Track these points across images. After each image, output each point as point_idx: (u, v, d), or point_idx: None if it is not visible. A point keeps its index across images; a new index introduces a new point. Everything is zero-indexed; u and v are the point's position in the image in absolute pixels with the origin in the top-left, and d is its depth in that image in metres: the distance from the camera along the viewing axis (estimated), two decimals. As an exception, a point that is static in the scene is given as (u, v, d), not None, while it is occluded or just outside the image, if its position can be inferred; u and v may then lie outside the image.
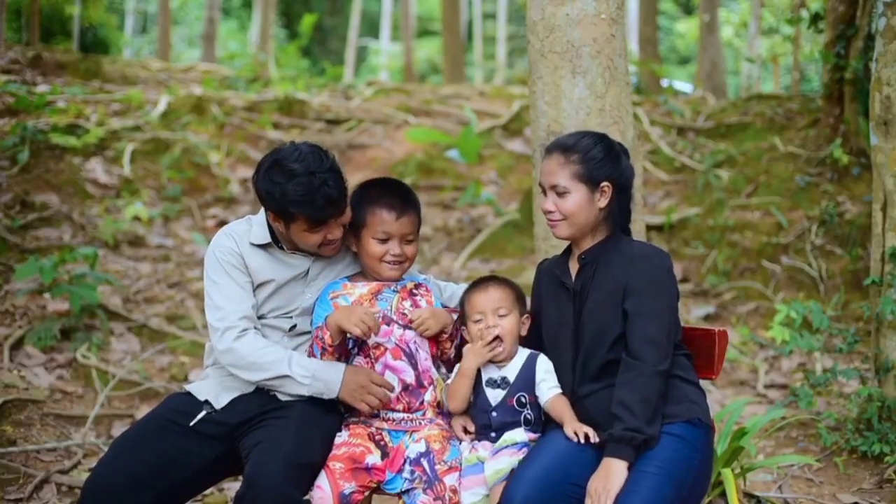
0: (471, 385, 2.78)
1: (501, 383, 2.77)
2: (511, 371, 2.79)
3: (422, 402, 2.84)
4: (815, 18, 7.73)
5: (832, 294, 6.46)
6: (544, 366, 2.79)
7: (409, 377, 2.84)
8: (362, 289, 2.88)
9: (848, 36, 7.17)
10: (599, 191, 2.75)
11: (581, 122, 3.54)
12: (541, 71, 3.62)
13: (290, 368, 2.76)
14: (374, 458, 2.72)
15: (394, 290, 2.89)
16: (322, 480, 2.63)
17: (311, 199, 2.72)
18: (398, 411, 2.82)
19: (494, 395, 2.77)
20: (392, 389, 2.79)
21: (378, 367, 2.84)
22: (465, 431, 2.81)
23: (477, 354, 2.76)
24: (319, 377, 2.76)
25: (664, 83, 14.25)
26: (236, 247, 2.87)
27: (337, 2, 29.80)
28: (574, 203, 2.73)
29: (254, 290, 2.88)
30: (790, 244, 7.11)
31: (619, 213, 2.83)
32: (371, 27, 28.85)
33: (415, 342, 2.85)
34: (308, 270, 2.92)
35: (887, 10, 4.12)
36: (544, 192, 2.81)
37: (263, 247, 2.90)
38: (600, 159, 2.75)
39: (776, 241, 7.15)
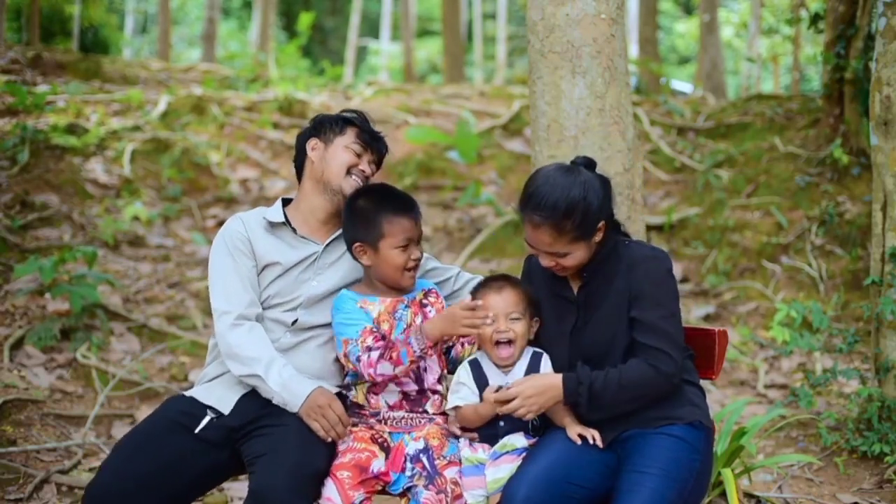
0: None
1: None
2: (516, 376, 2.75)
3: (424, 410, 2.82)
4: (815, 18, 7.72)
5: (832, 294, 6.45)
6: (548, 369, 2.77)
7: (411, 388, 2.81)
8: (379, 306, 2.80)
9: (848, 36, 7.17)
10: (596, 232, 2.68)
11: (581, 122, 3.54)
12: (541, 71, 3.62)
13: (267, 372, 2.73)
14: (379, 462, 2.70)
15: (406, 306, 2.83)
16: (331, 492, 2.61)
17: (362, 115, 3.04)
18: (399, 411, 2.80)
19: None
20: (347, 427, 2.73)
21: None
22: (461, 431, 2.79)
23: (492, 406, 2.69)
24: (288, 388, 2.72)
25: (662, 81, 14.24)
26: (244, 230, 2.89)
27: (337, 2, 29.79)
28: (576, 259, 2.67)
29: (259, 274, 2.88)
30: (790, 244, 7.11)
31: (611, 224, 2.75)
32: (371, 27, 28.82)
33: (425, 367, 2.81)
34: (316, 258, 2.91)
35: (887, 10, 4.12)
36: (534, 249, 2.71)
37: (275, 229, 2.92)
38: (593, 211, 2.62)
39: (776, 241, 7.14)
